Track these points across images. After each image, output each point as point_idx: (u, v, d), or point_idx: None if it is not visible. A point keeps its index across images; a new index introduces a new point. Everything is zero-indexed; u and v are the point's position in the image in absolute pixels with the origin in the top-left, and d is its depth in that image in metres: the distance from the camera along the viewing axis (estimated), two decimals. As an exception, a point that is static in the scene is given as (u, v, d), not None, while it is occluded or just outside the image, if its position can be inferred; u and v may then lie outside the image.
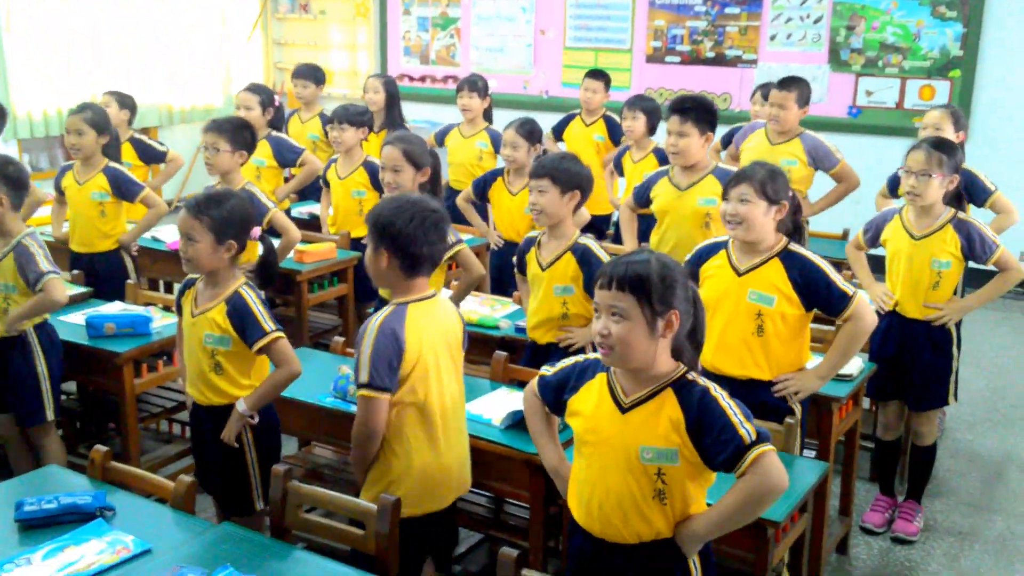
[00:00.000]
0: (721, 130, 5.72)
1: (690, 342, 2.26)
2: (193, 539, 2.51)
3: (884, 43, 7.26)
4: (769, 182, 3.11)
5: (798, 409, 3.20)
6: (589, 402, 2.33)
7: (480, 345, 3.84)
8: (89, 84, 8.08)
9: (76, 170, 4.76)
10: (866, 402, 4.13)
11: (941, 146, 3.67)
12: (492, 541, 3.56)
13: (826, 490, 3.21)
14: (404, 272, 2.73)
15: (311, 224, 5.68)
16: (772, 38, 7.63)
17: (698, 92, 7.83)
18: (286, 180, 5.93)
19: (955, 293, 3.81)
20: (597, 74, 6.32)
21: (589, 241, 3.61)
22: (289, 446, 3.95)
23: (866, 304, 3.17)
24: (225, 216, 3.01)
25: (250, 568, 2.33)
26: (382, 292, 3.57)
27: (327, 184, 5.37)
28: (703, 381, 2.25)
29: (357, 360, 2.68)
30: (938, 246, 3.69)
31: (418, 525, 2.76)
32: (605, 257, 3.45)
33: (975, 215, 3.85)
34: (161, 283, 5.62)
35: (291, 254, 4.71)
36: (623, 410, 2.25)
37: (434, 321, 2.77)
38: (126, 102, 5.72)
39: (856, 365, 3.56)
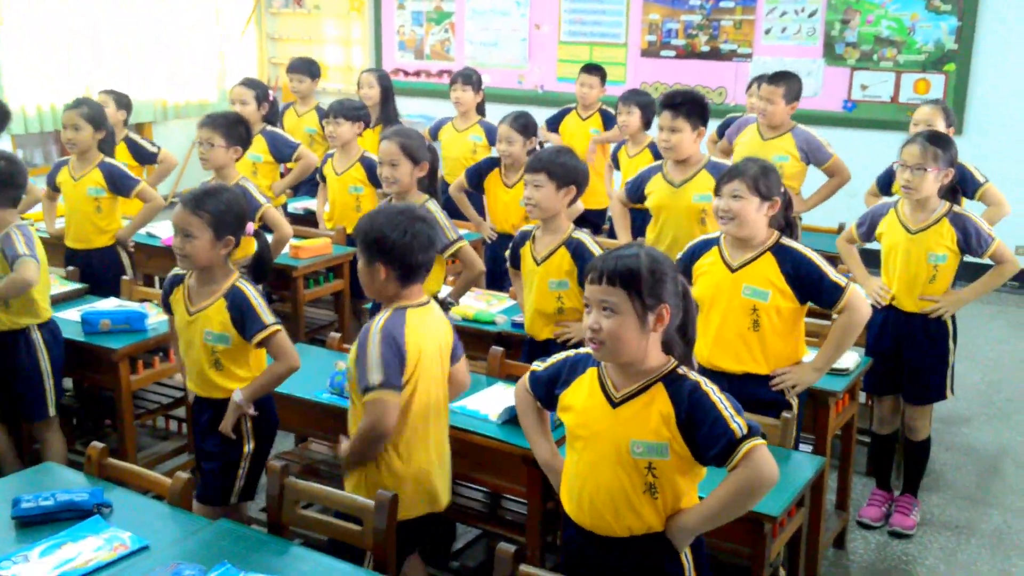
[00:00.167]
0: (716, 122, 5.75)
1: (680, 336, 2.27)
2: (190, 536, 2.51)
3: (879, 37, 7.26)
4: (761, 178, 3.12)
5: (795, 403, 3.21)
6: (580, 396, 2.34)
7: (476, 340, 3.83)
8: (84, 79, 8.05)
9: (71, 166, 4.74)
10: (862, 396, 4.14)
11: (936, 140, 3.67)
12: (489, 537, 3.56)
13: (823, 485, 3.21)
14: (401, 282, 2.73)
15: (307, 220, 5.67)
16: (767, 32, 7.63)
17: (693, 86, 7.84)
18: (282, 175, 5.91)
19: (951, 286, 3.81)
20: (593, 69, 6.31)
21: (583, 235, 3.61)
22: (286, 442, 3.95)
23: (859, 295, 3.18)
24: (223, 211, 3.01)
25: (247, 564, 2.33)
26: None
27: (323, 179, 5.36)
28: (693, 375, 2.25)
29: (364, 363, 2.63)
30: (934, 240, 3.70)
31: (408, 528, 2.75)
32: (599, 251, 3.45)
33: (967, 207, 3.86)
34: (156, 279, 5.60)
35: (286, 250, 4.70)
36: (614, 404, 2.26)
37: (430, 328, 2.77)
38: (122, 101, 5.69)
39: (852, 359, 3.57)
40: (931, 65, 7.12)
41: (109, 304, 4.09)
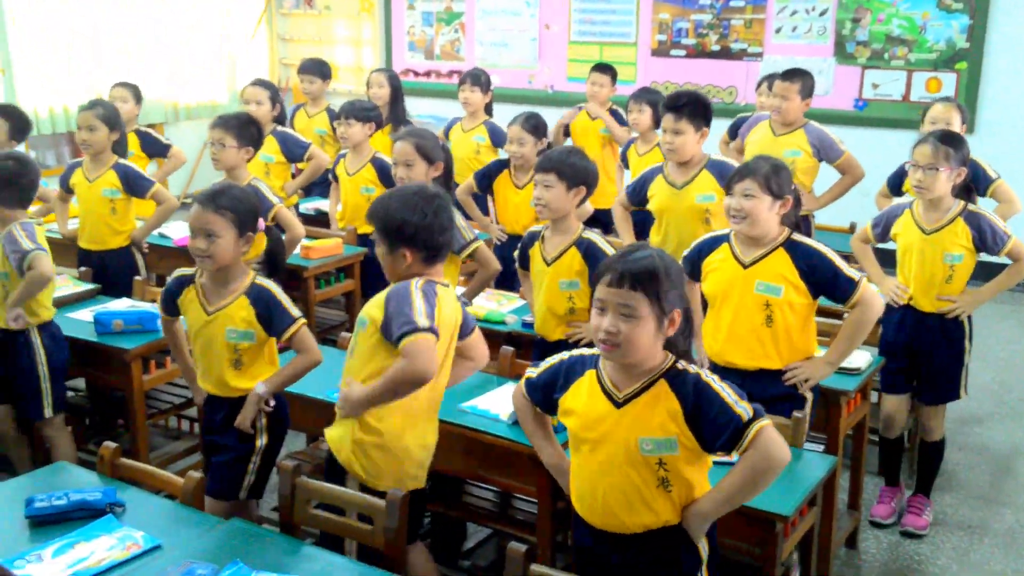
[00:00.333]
0: (727, 122, 5.74)
1: (682, 334, 2.28)
2: (203, 535, 2.52)
3: (890, 35, 7.23)
4: (773, 177, 3.11)
5: (809, 396, 3.20)
6: (581, 399, 2.34)
7: (487, 340, 3.82)
8: (94, 81, 8.07)
9: (85, 167, 4.75)
10: (874, 396, 4.12)
11: (948, 139, 3.65)
12: (500, 536, 3.56)
13: (834, 484, 3.21)
14: (426, 264, 2.76)
15: (318, 220, 5.68)
16: (777, 31, 7.62)
17: (704, 85, 7.83)
18: (293, 176, 5.93)
19: (967, 286, 3.80)
20: (603, 68, 6.32)
21: (594, 235, 3.61)
22: (297, 441, 3.96)
23: (873, 290, 3.17)
24: (243, 207, 3.02)
25: (259, 563, 2.34)
26: None
27: (336, 178, 5.37)
28: (693, 368, 2.27)
29: (407, 309, 2.62)
30: (950, 240, 3.68)
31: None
32: (610, 251, 3.45)
33: (980, 205, 3.84)
34: (168, 280, 5.62)
35: (297, 250, 4.71)
36: (618, 404, 2.27)
37: (449, 307, 2.79)
38: (138, 95, 5.73)
39: (864, 359, 3.56)
40: (943, 63, 7.09)
41: (122, 304, 4.11)
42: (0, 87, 7.63)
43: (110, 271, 4.69)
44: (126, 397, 3.86)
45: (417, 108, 8.20)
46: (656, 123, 5.52)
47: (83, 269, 4.56)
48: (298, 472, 2.70)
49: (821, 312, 3.30)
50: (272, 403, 3.08)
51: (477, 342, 3.00)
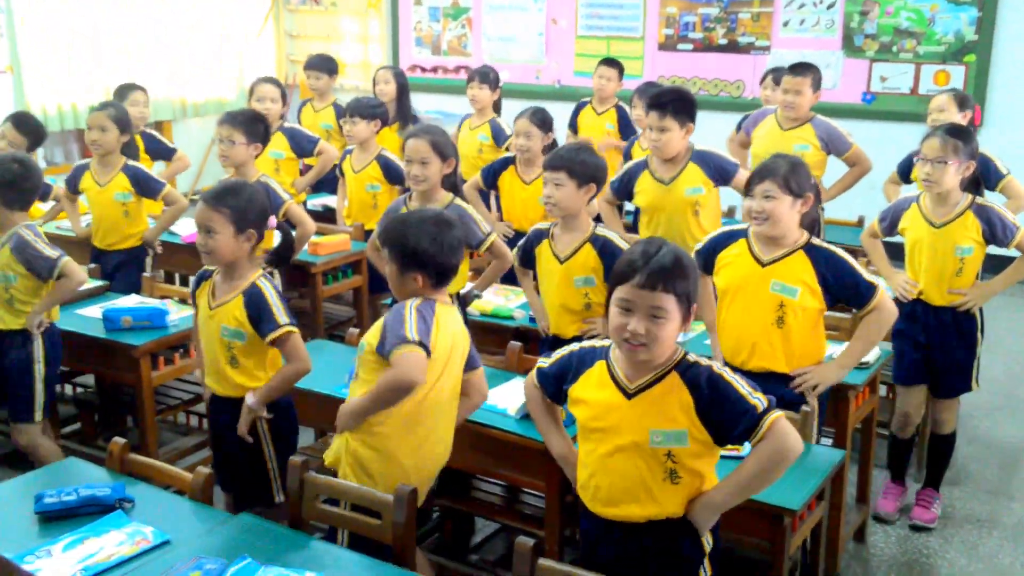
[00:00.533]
0: (733, 116, 5.73)
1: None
2: (212, 530, 2.53)
3: (898, 28, 7.21)
4: (792, 176, 3.10)
5: (814, 403, 3.19)
6: (590, 390, 2.36)
7: (494, 335, 3.84)
8: (103, 78, 8.09)
9: (94, 171, 4.73)
10: (883, 389, 4.11)
11: (957, 133, 3.64)
12: (508, 530, 3.57)
13: (843, 478, 3.21)
14: (434, 287, 2.77)
15: (325, 216, 5.69)
16: (785, 24, 7.59)
17: (711, 79, 7.82)
18: (301, 171, 5.94)
19: (976, 278, 3.79)
20: (611, 62, 6.32)
21: (609, 232, 3.60)
22: (305, 437, 3.97)
23: (888, 296, 3.17)
24: (244, 206, 3.02)
25: (268, 558, 2.35)
26: None
27: (343, 174, 5.37)
28: (704, 361, 2.28)
29: (399, 324, 2.64)
30: (960, 232, 3.67)
31: None
32: (626, 247, 3.43)
33: (988, 198, 3.83)
34: (177, 276, 5.64)
35: (306, 246, 4.72)
36: (628, 396, 2.28)
37: (451, 327, 2.78)
38: (147, 94, 5.75)
39: (873, 353, 3.55)
40: (951, 56, 7.06)
41: (130, 301, 4.11)
42: (8, 85, 7.65)
43: (122, 270, 4.71)
44: (135, 393, 3.87)
45: (424, 104, 8.20)
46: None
47: (92, 266, 4.58)
48: (306, 467, 2.70)
49: (831, 307, 3.28)
50: (267, 414, 3.08)
51: (479, 380, 2.94)
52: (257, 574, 2.27)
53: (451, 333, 2.77)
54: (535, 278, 3.78)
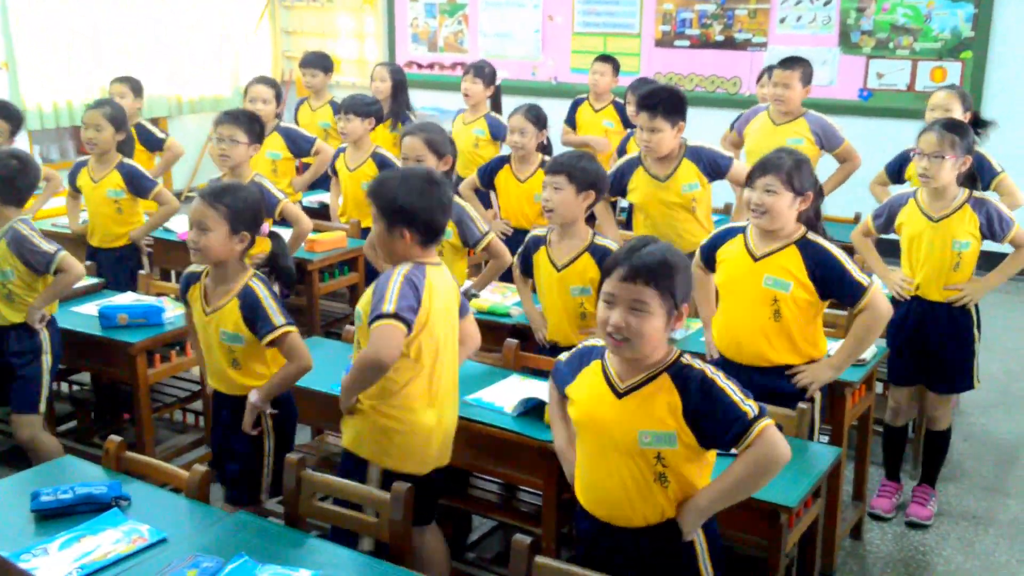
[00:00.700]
0: (729, 112, 5.73)
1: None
2: (208, 528, 2.53)
3: (895, 25, 7.21)
4: (795, 173, 3.10)
5: (818, 397, 3.19)
6: (584, 388, 2.36)
7: (491, 332, 3.83)
8: (99, 75, 8.07)
9: (90, 167, 4.75)
10: (879, 387, 4.12)
11: (953, 127, 3.65)
12: (505, 528, 3.57)
13: (839, 475, 3.21)
14: (422, 245, 2.78)
15: (321, 213, 5.68)
16: (782, 21, 7.59)
17: (708, 76, 7.82)
18: (297, 170, 5.93)
19: (972, 274, 3.79)
20: (605, 58, 6.34)
21: (607, 241, 3.58)
22: (302, 435, 3.96)
23: (881, 294, 3.15)
24: (241, 207, 3.01)
25: (265, 556, 2.34)
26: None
27: (335, 173, 5.36)
28: (698, 364, 2.27)
29: (380, 295, 2.67)
30: (957, 227, 3.67)
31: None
32: None
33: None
34: (173, 273, 5.63)
35: (302, 244, 4.71)
36: (619, 395, 2.28)
37: (443, 286, 2.82)
38: (138, 89, 5.74)
39: (870, 350, 3.54)
40: (947, 53, 7.06)
41: (126, 299, 4.11)
42: (4, 81, 7.63)
43: (115, 266, 4.71)
44: (131, 391, 3.86)
45: (420, 100, 8.18)
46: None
47: (88, 264, 4.57)
48: (303, 465, 2.70)
49: (830, 304, 3.28)
50: (270, 410, 3.08)
51: (469, 326, 3.05)
52: (254, 572, 2.27)
53: (444, 292, 2.82)
54: (534, 288, 3.78)
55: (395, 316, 2.64)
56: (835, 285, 3.12)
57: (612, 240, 3.70)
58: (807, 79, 4.97)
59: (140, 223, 4.85)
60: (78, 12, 8.04)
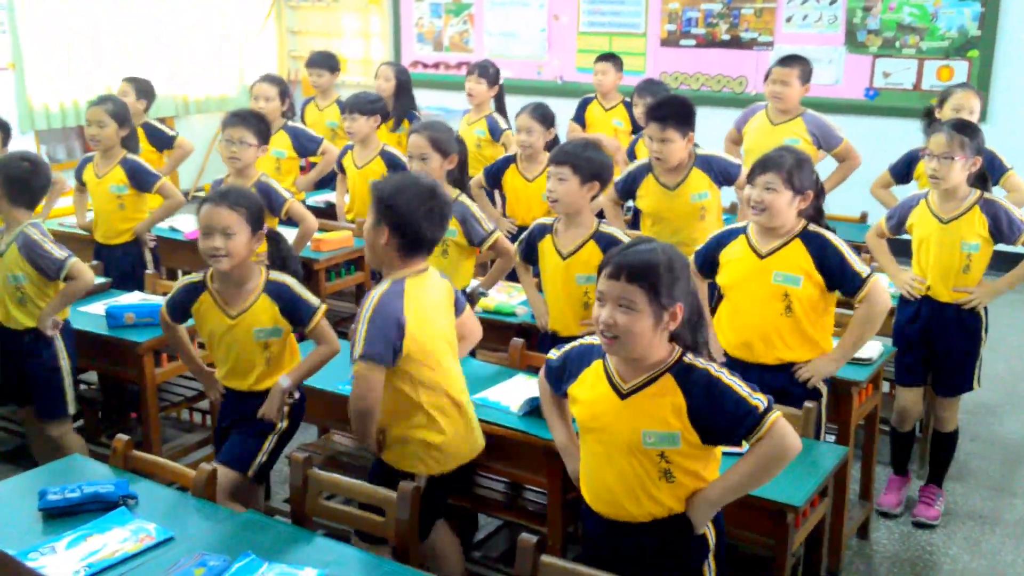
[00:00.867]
0: (734, 112, 5.71)
1: (688, 327, 2.27)
2: (215, 527, 2.53)
3: (901, 24, 7.19)
4: (796, 171, 3.10)
5: (824, 389, 3.19)
6: (586, 389, 2.36)
7: (497, 332, 3.84)
8: (106, 75, 8.10)
9: (96, 163, 4.77)
10: (886, 386, 4.11)
11: (963, 128, 3.64)
12: (511, 527, 3.57)
13: (846, 475, 3.21)
14: (400, 252, 2.77)
15: (327, 212, 5.68)
16: (788, 20, 7.58)
17: (714, 75, 7.81)
18: (302, 170, 5.94)
19: (983, 276, 3.78)
20: (606, 57, 6.31)
21: (613, 229, 3.58)
22: (308, 433, 3.97)
23: (881, 287, 3.15)
24: (255, 207, 3.07)
25: (271, 555, 2.35)
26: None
27: (343, 170, 5.36)
28: (701, 363, 2.27)
29: (354, 328, 2.71)
30: (967, 228, 3.67)
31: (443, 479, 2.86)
32: None
33: (994, 193, 3.82)
34: (179, 273, 5.64)
35: (308, 243, 4.72)
36: (622, 396, 2.28)
37: (428, 291, 2.82)
38: (143, 89, 5.74)
39: (876, 349, 3.54)
40: (954, 52, 7.05)
41: (133, 298, 4.12)
42: (11, 82, 7.65)
43: (121, 264, 4.72)
44: (138, 390, 3.87)
45: (425, 100, 8.18)
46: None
47: (94, 263, 4.58)
48: (309, 464, 2.71)
49: (837, 304, 3.28)
50: (296, 395, 3.12)
51: (468, 320, 3.07)
52: (260, 571, 2.27)
53: (430, 297, 2.82)
54: (536, 274, 3.78)
55: (364, 358, 2.67)
56: (835, 274, 3.12)
57: (619, 233, 3.69)
58: (806, 77, 4.95)
59: (144, 220, 4.85)
60: (85, 13, 8.05)
